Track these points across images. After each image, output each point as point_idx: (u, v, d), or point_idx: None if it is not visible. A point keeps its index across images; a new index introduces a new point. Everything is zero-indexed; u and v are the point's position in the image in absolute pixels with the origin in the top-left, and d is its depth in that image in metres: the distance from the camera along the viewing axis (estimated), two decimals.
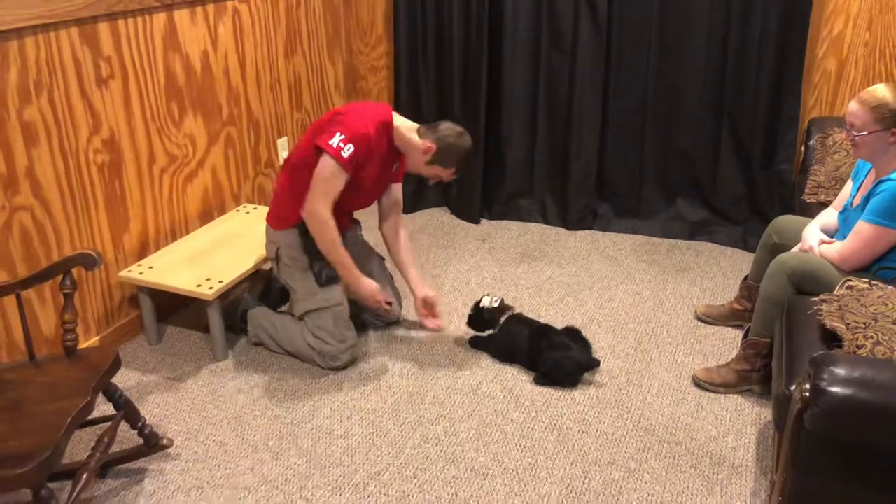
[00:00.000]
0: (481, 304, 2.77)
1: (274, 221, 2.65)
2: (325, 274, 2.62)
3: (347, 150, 2.39)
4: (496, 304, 2.75)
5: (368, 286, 2.64)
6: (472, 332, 2.84)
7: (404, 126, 2.58)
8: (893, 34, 3.19)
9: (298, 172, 2.53)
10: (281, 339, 2.72)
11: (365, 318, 2.91)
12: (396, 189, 2.80)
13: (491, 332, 2.77)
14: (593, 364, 2.61)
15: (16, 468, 1.63)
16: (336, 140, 2.39)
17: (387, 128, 2.55)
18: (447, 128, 2.57)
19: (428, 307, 2.78)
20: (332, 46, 3.94)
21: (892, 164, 2.23)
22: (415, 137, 2.56)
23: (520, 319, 2.74)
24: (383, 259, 2.96)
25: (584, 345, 2.64)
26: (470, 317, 2.82)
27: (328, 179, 2.43)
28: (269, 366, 2.71)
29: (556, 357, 2.55)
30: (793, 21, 3.23)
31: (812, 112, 3.43)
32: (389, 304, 2.75)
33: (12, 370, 2.02)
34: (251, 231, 3.04)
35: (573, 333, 2.67)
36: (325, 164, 2.42)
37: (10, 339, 2.41)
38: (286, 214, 2.60)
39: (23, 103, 2.34)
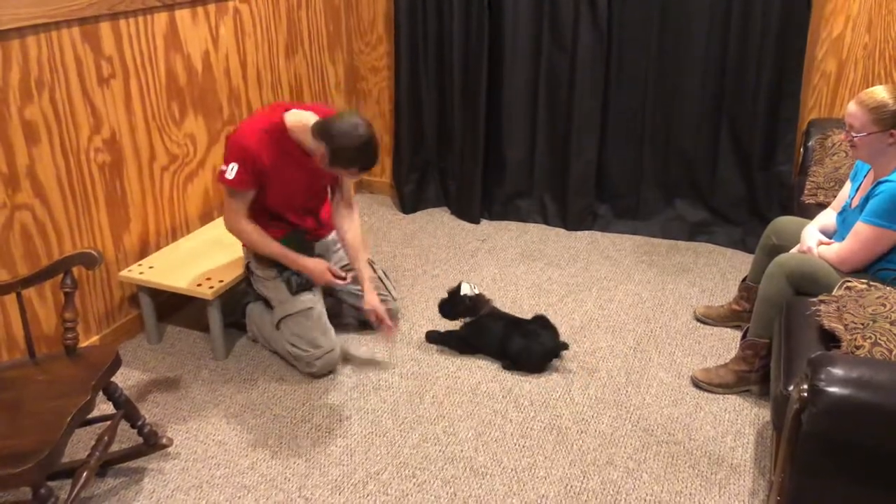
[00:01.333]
0: (462, 292, 2.73)
1: None
2: (296, 282, 2.60)
3: (231, 172, 2.40)
4: (476, 293, 2.74)
5: (315, 265, 2.57)
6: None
7: (298, 126, 2.41)
8: (893, 36, 3.20)
9: None
10: (270, 341, 2.74)
11: (359, 318, 2.91)
12: (348, 184, 2.69)
13: (465, 321, 2.75)
14: (560, 348, 2.66)
15: (15, 466, 1.64)
16: (223, 165, 2.43)
17: (277, 131, 2.42)
18: (337, 126, 2.28)
19: (376, 314, 2.61)
20: (333, 46, 3.94)
21: (890, 166, 2.24)
22: (309, 139, 2.37)
23: (496, 315, 2.74)
24: (371, 261, 2.87)
25: (552, 331, 2.68)
26: (444, 302, 2.77)
27: (228, 200, 2.50)
28: (268, 365, 2.71)
29: (524, 344, 2.61)
30: (792, 22, 3.24)
31: (811, 113, 3.43)
32: (343, 278, 2.60)
33: (12, 368, 2.03)
34: None
35: (542, 321, 2.71)
36: (225, 189, 2.49)
37: (10, 338, 2.41)
38: None
39: (24, 102, 2.34)
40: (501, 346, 2.67)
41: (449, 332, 2.80)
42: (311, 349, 2.57)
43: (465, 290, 2.73)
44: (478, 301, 2.74)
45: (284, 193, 2.54)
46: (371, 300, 2.60)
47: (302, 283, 2.61)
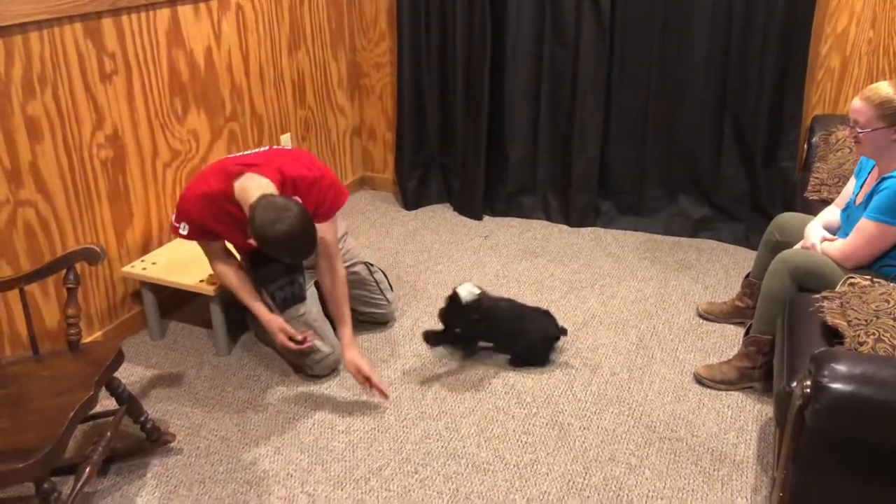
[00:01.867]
0: (463, 301, 2.52)
1: None
2: (279, 296, 2.53)
3: (183, 229, 2.41)
4: (475, 296, 2.54)
5: (273, 323, 2.46)
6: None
7: (243, 197, 2.23)
8: None
9: None
10: (271, 342, 2.72)
11: (359, 319, 2.88)
12: (324, 232, 2.40)
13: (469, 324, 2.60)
14: (561, 334, 2.70)
15: (18, 462, 1.64)
16: (173, 219, 2.44)
17: (221, 199, 2.31)
18: (260, 217, 2.08)
19: (361, 375, 2.43)
20: (336, 43, 3.94)
21: (895, 162, 2.23)
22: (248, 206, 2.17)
23: (500, 307, 2.68)
24: (371, 264, 2.86)
25: (550, 319, 2.70)
26: (444, 312, 2.60)
27: (202, 249, 2.50)
28: (270, 361, 2.71)
29: (530, 340, 2.63)
30: (796, 18, 3.23)
31: (815, 109, 3.42)
32: (301, 342, 2.46)
33: (15, 364, 2.03)
34: None
35: (540, 311, 2.73)
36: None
37: (13, 334, 2.42)
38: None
39: (27, 98, 2.34)
40: (511, 339, 2.67)
41: (447, 331, 2.67)
42: (311, 353, 2.56)
43: (464, 295, 2.53)
44: (478, 304, 2.56)
45: (249, 246, 2.38)
46: (352, 359, 2.41)
47: (288, 299, 2.51)
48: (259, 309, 2.50)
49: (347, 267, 2.69)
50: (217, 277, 2.56)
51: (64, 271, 2.07)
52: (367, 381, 2.40)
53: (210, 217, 2.36)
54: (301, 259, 2.30)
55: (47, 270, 2.07)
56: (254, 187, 2.21)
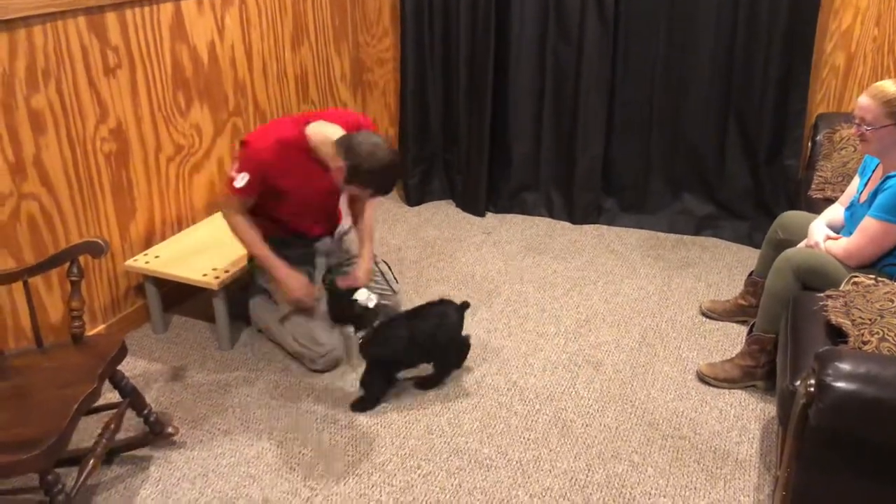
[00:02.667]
0: (357, 298, 2.37)
1: None
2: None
3: (241, 181, 2.37)
4: (372, 305, 2.38)
5: (289, 281, 2.51)
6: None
7: (320, 138, 2.37)
8: None
9: None
10: (274, 335, 2.73)
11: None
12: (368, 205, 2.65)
13: (361, 337, 2.43)
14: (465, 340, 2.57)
15: (23, 453, 1.65)
16: (233, 171, 2.40)
17: (295, 145, 2.39)
18: (359, 143, 2.25)
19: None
20: (339, 38, 3.93)
21: None
22: (330, 152, 2.34)
23: (395, 320, 2.47)
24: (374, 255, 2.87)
25: (452, 319, 2.48)
26: (331, 301, 2.47)
27: (229, 201, 2.47)
28: (273, 356, 2.72)
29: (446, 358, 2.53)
30: (801, 15, 3.22)
31: (819, 107, 3.42)
32: (314, 301, 2.56)
33: (19, 357, 2.03)
34: None
35: (439, 303, 2.51)
36: (226, 191, 2.45)
37: (17, 326, 2.42)
38: (257, 229, 2.55)
39: (30, 91, 2.34)
40: (415, 345, 2.42)
41: (366, 381, 2.47)
42: (314, 347, 2.58)
43: (362, 298, 2.37)
44: (372, 315, 2.40)
45: (296, 207, 2.52)
46: (359, 274, 2.54)
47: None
48: (279, 264, 2.50)
49: (354, 257, 2.74)
50: (232, 226, 2.49)
51: (67, 264, 2.07)
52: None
53: (281, 162, 2.37)
54: (389, 189, 2.35)
55: (51, 263, 2.07)
56: (329, 131, 2.36)
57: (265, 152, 2.36)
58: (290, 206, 2.52)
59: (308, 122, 2.42)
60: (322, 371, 2.62)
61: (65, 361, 1.99)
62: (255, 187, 2.39)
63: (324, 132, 2.37)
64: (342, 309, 2.41)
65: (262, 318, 2.76)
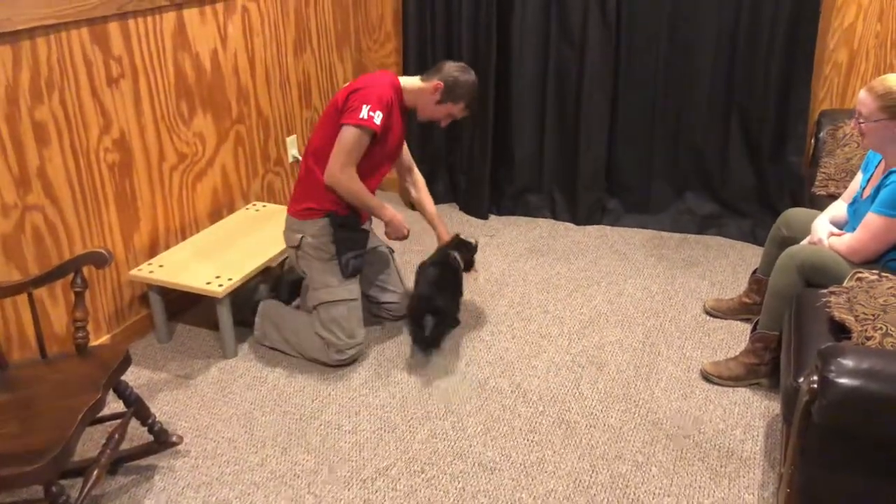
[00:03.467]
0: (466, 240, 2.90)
1: (300, 212, 2.66)
2: (352, 265, 2.66)
3: (378, 118, 2.48)
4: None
5: (399, 218, 2.72)
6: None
7: (409, 83, 2.67)
8: None
9: (328, 158, 2.56)
10: (287, 333, 2.74)
11: (373, 312, 2.93)
12: (406, 150, 2.92)
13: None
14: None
15: (27, 465, 1.65)
16: (365, 112, 2.47)
17: (397, 92, 2.63)
18: (450, 65, 2.65)
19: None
20: (342, 44, 3.95)
21: None
22: (421, 84, 2.65)
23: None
24: (392, 251, 3.00)
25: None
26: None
27: (356, 145, 2.51)
28: (277, 363, 2.73)
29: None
30: (803, 12, 3.21)
31: (822, 104, 3.40)
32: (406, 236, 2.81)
33: (24, 368, 2.05)
34: (261, 229, 3.06)
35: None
36: (350, 132, 2.49)
37: (22, 338, 2.44)
38: (317, 203, 2.61)
39: (34, 103, 2.36)
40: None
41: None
42: (346, 339, 2.63)
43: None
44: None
45: (377, 159, 2.64)
46: (441, 233, 2.93)
47: (357, 268, 2.69)
48: (384, 206, 2.68)
49: (375, 247, 2.90)
50: (350, 181, 2.55)
51: (72, 275, 2.08)
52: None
53: (394, 104, 2.60)
54: (473, 107, 2.76)
55: (55, 274, 2.08)
56: (413, 77, 2.70)
57: (388, 93, 2.53)
58: (379, 154, 2.62)
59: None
60: (347, 362, 2.67)
61: (69, 372, 2.01)
62: (384, 125, 2.52)
63: (408, 79, 2.68)
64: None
65: (275, 317, 2.77)
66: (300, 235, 2.66)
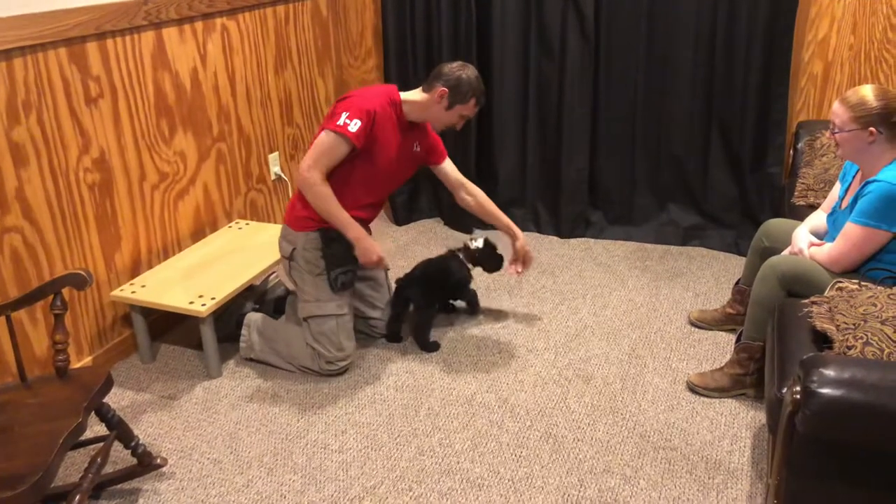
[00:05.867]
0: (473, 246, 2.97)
1: (294, 221, 2.66)
2: (341, 280, 2.64)
3: (354, 126, 2.45)
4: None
5: (369, 243, 2.60)
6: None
7: (410, 96, 2.64)
8: (878, 37, 3.22)
9: None
10: (277, 343, 2.72)
11: (360, 329, 2.91)
12: (447, 166, 2.89)
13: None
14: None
15: (7, 491, 1.62)
16: (342, 119, 2.46)
17: (394, 105, 2.60)
18: (448, 67, 2.60)
19: (522, 254, 2.95)
20: (322, 61, 3.95)
21: (877, 165, 2.24)
22: (424, 96, 2.62)
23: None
24: (387, 268, 2.99)
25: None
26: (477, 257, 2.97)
27: (327, 148, 2.48)
28: (262, 382, 2.70)
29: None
30: (778, 25, 3.26)
31: (800, 115, 3.45)
32: (386, 267, 2.80)
33: (3, 392, 2.01)
34: (244, 247, 3.04)
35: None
36: (324, 136, 2.48)
37: (1, 361, 2.40)
38: (308, 214, 2.60)
39: (11, 124, 2.34)
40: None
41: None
42: (335, 352, 2.64)
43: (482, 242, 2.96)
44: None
45: (373, 174, 2.60)
46: (521, 244, 2.94)
47: (346, 283, 2.66)
48: (353, 224, 2.58)
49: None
50: (314, 185, 2.49)
51: (51, 297, 2.06)
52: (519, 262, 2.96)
53: (385, 117, 2.55)
54: (484, 100, 2.68)
55: (34, 297, 2.06)
56: (415, 91, 2.66)
57: (376, 104, 2.51)
58: (369, 170, 2.58)
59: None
60: (336, 373, 2.68)
61: (49, 396, 1.98)
62: (362, 135, 2.48)
63: (408, 93, 2.64)
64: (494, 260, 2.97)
65: (264, 329, 2.76)
66: (292, 247, 2.66)
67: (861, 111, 2.21)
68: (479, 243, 2.95)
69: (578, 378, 2.65)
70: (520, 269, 2.95)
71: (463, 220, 3.91)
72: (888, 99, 2.21)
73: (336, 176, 2.55)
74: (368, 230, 2.75)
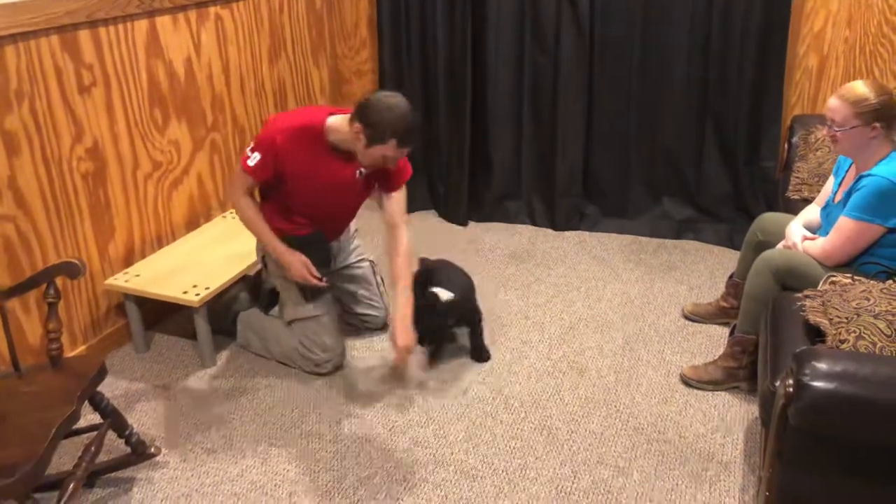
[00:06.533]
0: (438, 296, 2.56)
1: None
2: (310, 290, 2.60)
3: (253, 159, 2.39)
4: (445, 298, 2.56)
5: (293, 260, 2.51)
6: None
7: (336, 123, 2.36)
8: (873, 31, 3.22)
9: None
10: (269, 342, 2.72)
11: (352, 322, 2.91)
12: (392, 201, 2.55)
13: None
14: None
15: (0, 479, 1.62)
16: (247, 151, 2.42)
17: (314, 133, 2.37)
18: (373, 99, 2.26)
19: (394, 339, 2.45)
20: (317, 51, 3.94)
21: (872, 160, 2.25)
22: (345, 127, 2.32)
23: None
24: (374, 263, 2.93)
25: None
26: (421, 312, 2.50)
27: (237, 178, 2.48)
28: (257, 371, 2.70)
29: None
30: (773, 19, 3.26)
31: (794, 109, 3.45)
32: (319, 279, 2.54)
33: None
34: (237, 237, 3.03)
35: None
36: (237, 166, 2.47)
37: None
38: (267, 222, 2.56)
39: (3, 112, 2.32)
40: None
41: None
42: (321, 353, 2.61)
43: (444, 296, 2.56)
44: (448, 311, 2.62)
45: (308, 198, 2.50)
46: (401, 337, 2.38)
47: (315, 291, 2.60)
48: (279, 245, 2.51)
49: (356, 263, 2.81)
50: (237, 208, 2.52)
51: (44, 286, 2.05)
52: (399, 359, 2.46)
53: (295, 149, 2.35)
54: (415, 141, 2.33)
55: (27, 286, 2.05)
56: (348, 116, 2.32)
57: (280, 135, 2.35)
58: (300, 197, 2.49)
59: (332, 114, 2.40)
60: (328, 373, 2.65)
61: (43, 385, 1.97)
62: (265, 168, 2.39)
63: (342, 118, 2.36)
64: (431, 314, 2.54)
65: (257, 328, 2.75)
66: (263, 254, 2.67)
67: (863, 107, 2.20)
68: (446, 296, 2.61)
69: (572, 370, 2.66)
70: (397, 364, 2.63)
71: (458, 212, 3.91)
72: (886, 93, 2.21)
73: (275, 192, 2.51)
74: (337, 239, 2.72)
